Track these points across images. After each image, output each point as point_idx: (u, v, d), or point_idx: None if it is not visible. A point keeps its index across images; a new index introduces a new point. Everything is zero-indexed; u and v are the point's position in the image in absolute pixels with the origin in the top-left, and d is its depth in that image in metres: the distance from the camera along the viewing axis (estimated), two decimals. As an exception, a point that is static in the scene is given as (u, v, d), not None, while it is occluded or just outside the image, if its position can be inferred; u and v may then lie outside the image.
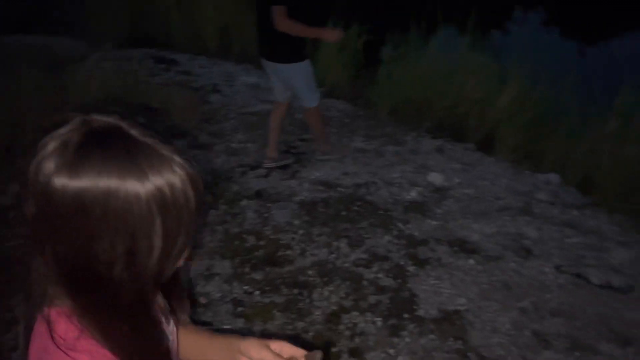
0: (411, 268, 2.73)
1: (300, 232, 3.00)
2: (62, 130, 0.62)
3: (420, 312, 2.44)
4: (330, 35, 3.27)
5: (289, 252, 2.84)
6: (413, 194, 3.42)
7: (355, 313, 2.43)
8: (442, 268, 2.74)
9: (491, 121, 4.12)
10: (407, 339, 2.29)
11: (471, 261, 2.79)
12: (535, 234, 3.09)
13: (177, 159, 0.64)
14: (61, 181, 0.59)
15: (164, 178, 0.62)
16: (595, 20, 8.34)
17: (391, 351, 2.23)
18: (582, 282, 2.68)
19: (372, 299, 2.51)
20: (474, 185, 3.59)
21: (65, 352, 0.63)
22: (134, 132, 0.63)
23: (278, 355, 0.85)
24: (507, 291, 2.59)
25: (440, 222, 3.13)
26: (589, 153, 3.68)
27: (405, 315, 2.42)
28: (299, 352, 0.86)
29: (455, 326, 2.37)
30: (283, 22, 3.01)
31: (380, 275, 2.68)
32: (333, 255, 2.81)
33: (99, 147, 0.61)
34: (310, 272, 2.68)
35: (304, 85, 3.37)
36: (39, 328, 0.66)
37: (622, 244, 3.07)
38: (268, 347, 0.86)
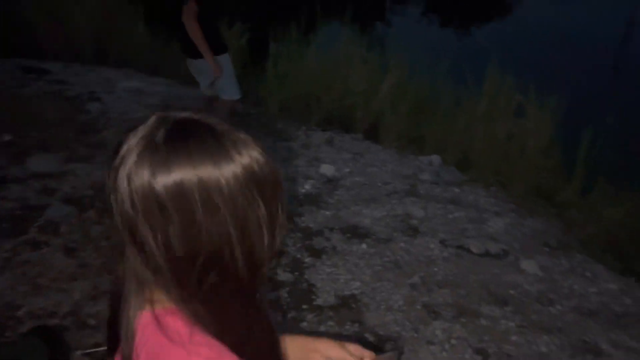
0: (308, 259, 2.78)
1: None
2: (143, 132, 0.63)
3: (319, 301, 2.49)
4: (217, 69, 3.27)
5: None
6: (307, 187, 3.48)
7: (254, 311, 2.43)
8: (337, 255, 2.82)
9: (376, 111, 4.30)
10: (308, 329, 2.33)
11: (364, 245, 2.90)
12: (422, 213, 3.28)
13: (251, 139, 0.66)
14: (161, 181, 0.60)
15: (250, 156, 0.64)
16: (468, 9, 8.99)
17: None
18: (465, 252, 2.89)
19: (272, 295, 2.52)
20: (363, 173, 3.73)
21: (182, 347, 0.62)
22: (211, 121, 0.65)
23: (354, 355, 0.85)
24: (398, 270, 2.73)
25: (334, 212, 3.22)
26: (464, 133, 3.97)
27: (305, 307, 2.46)
28: (372, 356, 0.86)
29: (352, 310, 2.45)
30: (188, 23, 3.02)
31: (278, 271, 2.69)
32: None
33: (186, 139, 0.62)
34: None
35: (222, 78, 3.35)
36: (147, 329, 0.65)
37: (497, 214, 3.36)
38: (345, 348, 0.86)
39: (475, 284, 2.67)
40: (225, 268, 0.64)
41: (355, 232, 3.02)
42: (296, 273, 2.68)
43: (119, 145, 0.63)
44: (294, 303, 2.47)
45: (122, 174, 0.61)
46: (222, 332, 0.65)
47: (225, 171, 0.62)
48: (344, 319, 2.39)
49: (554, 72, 5.50)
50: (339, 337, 0.91)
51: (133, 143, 0.62)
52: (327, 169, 3.67)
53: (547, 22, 8.08)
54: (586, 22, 8.45)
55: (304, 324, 2.36)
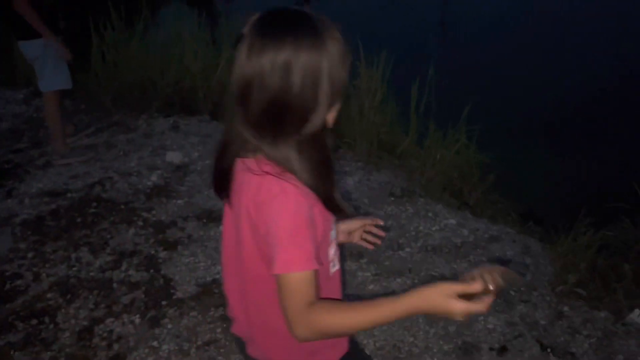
0: (163, 254, 2.66)
1: (30, 255, 2.63)
2: (254, 21, 0.88)
3: (179, 294, 2.41)
4: (65, 52, 3.22)
5: (19, 281, 2.48)
6: (154, 179, 3.30)
7: (109, 320, 2.27)
8: (194, 244, 2.73)
9: (217, 89, 4.19)
10: (169, 325, 2.24)
11: (221, 228, 2.84)
12: (276, 185, 3.30)
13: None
14: (269, 58, 0.85)
15: (335, 35, 0.90)
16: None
17: (154, 343, 2.15)
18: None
19: (126, 298, 2.38)
20: (212, 154, 3.63)
21: (277, 178, 0.89)
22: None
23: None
24: (257, 246, 2.73)
25: (186, 199, 3.10)
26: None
27: (164, 303, 2.36)
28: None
29: (214, 295, 2.40)
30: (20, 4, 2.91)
31: (131, 272, 2.54)
32: (74, 269, 2.55)
33: (291, 25, 0.87)
34: (49, 296, 2.39)
35: (45, 64, 3.17)
36: (248, 172, 0.92)
37: (347, 174, 3.50)
38: None
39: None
40: (311, 122, 0.88)
41: (212, 216, 2.95)
42: (151, 271, 2.55)
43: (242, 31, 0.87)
44: (152, 302, 2.36)
45: (242, 51, 0.87)
46: (303, 173, 0.89)
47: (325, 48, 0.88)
48: (207, 306, 2.34)
49: (382, 31, 5.81)
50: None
51: (247, 29, 0.88)
52: (174, 156, 3.51)
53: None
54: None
55: (165, 320, 2.26)
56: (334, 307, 0.91)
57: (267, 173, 0.90)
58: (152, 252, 2.67)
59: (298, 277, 0.88)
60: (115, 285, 2.46)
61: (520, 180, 3.63)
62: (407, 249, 2.75)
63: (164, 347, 2.14)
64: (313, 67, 0.86)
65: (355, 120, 3.81)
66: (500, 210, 3.28)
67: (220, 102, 4.22)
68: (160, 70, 4.31)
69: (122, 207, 3.02)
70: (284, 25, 0.88)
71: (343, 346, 1.11)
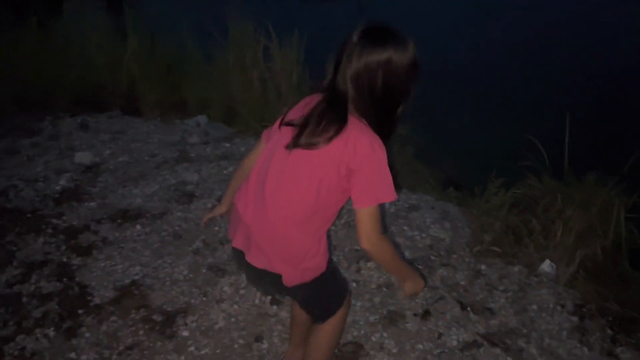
0: (76, 261, 2.51)
1: None
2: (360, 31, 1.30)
3: (96, 300, 2.29)
4: None
5: None
6: (63, 183, 3.11)
7: (21, 337, 2.12)
8: (110, 247, 2.60)
9: (126, 82, 3.99)
10: (87, 334, 2.13)
11: (138, 227, 2.73)
12: (196, 176, 3.20)
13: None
14: (374, 57, 1.27)
15: (412, 44, 1.30)
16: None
17: (72, 355, 2.04)
18: (241, 204, 2.92)
19: (38, 312, 2.23)
20: (127, 151, 3.48)
21: (370, 132, 1.31)
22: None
23: None
24: (178, 241, 2.65)
25: (99, 201, 2.95)
26: (223, 88, 3.93)
27: (81, 311, 2.23)
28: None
29: (135, 297, 2.30)
30: None
31: (42, 283, 2.38)
32: (-23, 287, 2.37)
33: (387, 35, 1.30)
34: (-50, 319, 2.20)
35: None
36: (355, 124, 1.31)
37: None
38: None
39: (255, 230, 2.73)
40: (393, 101, 1.32)
41: (127, 216, 2.82)
42: (65, 280, 2.40)
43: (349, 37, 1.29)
44: (67, 312, 2.23)
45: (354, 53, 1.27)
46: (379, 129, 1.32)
47: (410, 50, 1.29)
48: (127, 309, 2.24)
49: (295, 11, 5.76)
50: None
51: (355, 37, 1.28)
52: (83, 157, 3.32)
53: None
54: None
55: (82, 329, 2.15)
56: (391, 243, 1.41)
57: (365, 128, 1.31)
58: (65, 260, 2.52)
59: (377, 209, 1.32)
60: (25, 299, 2.30)
61: (438, 148, 3.74)
62: (331, 227, 2.76)
63: (83, 357, 2.03)
64: (404, 64, 1.28)
65: (274, 103, 3.77)
66: (419, 179, 3.36)
67: (131, 95, 4.04)
68: (62, 67, 4.05)
69: (29, 215, 2.83)
70: (385, 35, 1.29)
71: (324, 262, 1.47)
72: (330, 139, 1.29)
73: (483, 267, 2.49)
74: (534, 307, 2.29)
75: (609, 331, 2.21)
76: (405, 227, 2.74)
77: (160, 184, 3.11)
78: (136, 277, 2.41)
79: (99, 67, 3.99)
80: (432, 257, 2.51)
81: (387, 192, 1.31)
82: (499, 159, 3.63)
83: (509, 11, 6.29)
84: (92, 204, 2.93)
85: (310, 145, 1.32)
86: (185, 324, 2.16)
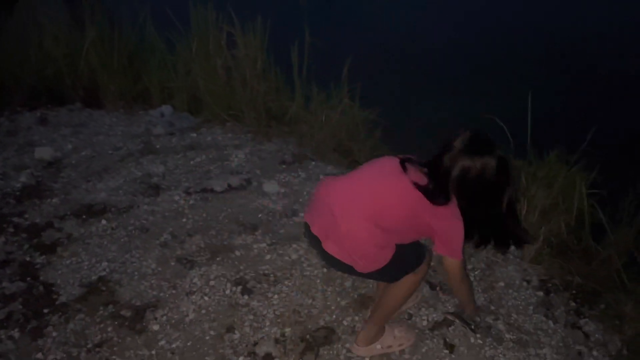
0: (40, 259, 2.45)
1: None
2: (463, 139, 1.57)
3: (62, 299, 2.24)
4: None
5: None
6: (23, 179, 3.01)
7: (-16, 340, 2.06)
8: (75, 243, 2.54)
9: (86, 74, 3.87)
10: (54, 333, 2.08)
11: (103, 222, 2.67)
12: (162, 168, 3.15)
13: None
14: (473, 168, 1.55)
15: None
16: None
17: (38, 355, 1.99)
18: (210, 194, 2.89)
19: (1, 313, 2.17)
20: (89, 144, 3.39)
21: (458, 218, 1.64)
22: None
23: None
24: (145, 234, 2.60)
25: (62, 197, 2.87)
26: (186, 77, 3.85)
27: (46, 310, 2.18)
28: None
29: (102, 294, 2.26)
30: None
31: (4, 284, 2.31)
32: None
33: (486, 145, 1.57)
34: None
35: None
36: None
37: (236, 147, 3.42)
38: None
39: (225, 220, 2.70)
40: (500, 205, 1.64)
41: (91, 211, 2.76)
42: (28, 279, 2.34)
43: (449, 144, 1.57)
44: (31, 312, 2.17)
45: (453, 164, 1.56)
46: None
47: (505, 159, 1.59)
48: (95, 306, 2.20)
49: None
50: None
51: (459, 144, 1.56)
52: (43, 152, 3.22)
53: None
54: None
55: (49, 328, 2.10)
56: (468, 277, 1.94)
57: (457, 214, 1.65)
58: (28, 258, 2.45)
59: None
60: (-13, 301, 2.23)
61: (405, 131, 3.75)
62: (301, 214, 2.75)
63: (50, 357, 1.98)
64: (509, 169, 1.59)
65: (239, 91, 3.71)
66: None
67: (92, 87, 3.92)
68: (18, 60, 3.89)
69: (-11, 214, 2.74)
70: (491, 145, 1.57)
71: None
72: None
73: (451, 247, 2.52)
74: (501, 284, 2.34)
75: (573, 304, 2.28)
76: (374, 211, 2.75)
77: (125, 177, 3.05)
78: (103, 274, 2.36)
79: (56, 59, 3.85)
80: (402, 240, 2.53)
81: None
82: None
83: None
84: (54, 200, 2.85)
85: None
86: (155, 318, 2.13)
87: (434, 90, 4.36)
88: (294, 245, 2.52)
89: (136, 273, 2.36)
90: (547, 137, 2.89)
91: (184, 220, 2.70)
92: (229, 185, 2.93)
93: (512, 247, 2.47)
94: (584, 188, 2.50)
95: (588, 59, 4.79)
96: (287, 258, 2.45)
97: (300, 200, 2.88)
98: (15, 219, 2.70)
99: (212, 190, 2.91)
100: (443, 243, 1.65)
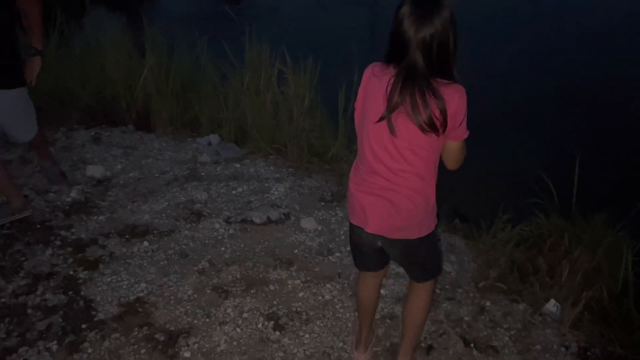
0: (82, 274, 2.53)
1: None
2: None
3: (100, 316, 2.30)
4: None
5: None
6: (73, 195, 3.14)
7: (24, 349, 2.13)
8: (116, 262, 2.62)
9: (141, 98, 4.05)
10: (90, 350, 2.13)
11: (145, 243, 2.75)
12: (205, 195, 3.23)
13: None
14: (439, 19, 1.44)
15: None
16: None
17: (73, 371, 2.04)
18: (249, 225, 2.94)
19: (42, 324, 2.24)
20: (138, 166, 3.51)
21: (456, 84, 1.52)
22: None
23: None
24: (184, 259, 2.66)
25: (107, 215, 2.97)
26: (236, 109, 3.98)
27: (84, 326, 2.24)
28: None
29: (138, 314, 2.31)
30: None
31: (47, 295, 2.39)
32: (-17, 296, 2.38)
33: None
34: (-46, 327, 2.21)
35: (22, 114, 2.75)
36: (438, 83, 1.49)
37: (277, 181, 3.48)
38: None
39: (261, 252, 2.74)
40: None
41: (135, 232, 2.84)
42: (70, 293, 2.41)
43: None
44: (70, 326, 2.23)
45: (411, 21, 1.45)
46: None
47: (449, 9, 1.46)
48: (130, 327, 2.25)
49: (310, 37, 5.84)
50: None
51: (408, 8, 1.46)
52: (95, 170, 3.36)
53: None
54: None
55: (85, 344, 2.15)
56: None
57: (451, 83, 1.49)
58: (71, 272, 2.54)
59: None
60: (29, 310, 2.31)
61: (446, 179, 3.74)
62: (337, 254, 2.77)
63: (84, 373, 2.03)
64: (455, 21, 1.46)
65: (285, 126, 3.80)
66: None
67: (145, 111, 4.09)
68: (80, 80, 4.12)
69: (38, 226, 2.85)
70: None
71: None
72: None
73: (488, 303, 2.48)
74: (538, 347, 2.28)
75: (613, 376, 2.20)
76: (410, 258, 2.74)
77: (169, 201, 3.14)
78: (141, 294, 2.42)
79: (115, 81, 4.05)
80: (437, 291, 2.50)
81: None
82: (506, 191, 3.64)
83: (524, 29, 6.34)
84: (101, 217, 2.95)
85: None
86: (187, 345, 2.16)
87: (478, 138, 4.35)
88: (328, 285, 2.53)
89: (172, 297, 2.41)
90: (593, 198, 2.84)
91: (223, 249, 2.75)
92: (268, 218, 2.98)
93: (552, 309, 2.41)
94: (630, 255, 2.43)
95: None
96: (320, 297, 2.45)
97: (337, 239, 2.89)
98: (63, 233, 2.81)
99: (251, 222, 2.96)
100: (462, 125, 1.54)
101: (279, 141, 3.79)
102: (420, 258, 1.81)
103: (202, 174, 3.51)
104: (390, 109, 1.51)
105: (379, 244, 1.76)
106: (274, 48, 3.93)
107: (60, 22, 4.24)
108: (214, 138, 3.96)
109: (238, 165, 3.68)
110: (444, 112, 1.47)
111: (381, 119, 1.54)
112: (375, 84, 1.56)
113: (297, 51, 3.90)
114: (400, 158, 1.57)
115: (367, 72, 1.62)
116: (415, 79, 1.46)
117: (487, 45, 5.63)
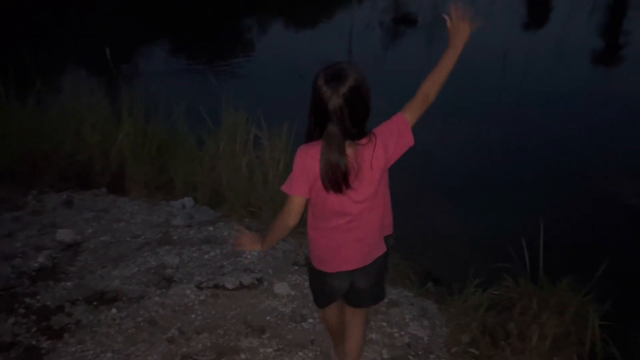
0: (46, 344, 2.44)
1: None
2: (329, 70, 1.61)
3: (62, 390, 2.20)
4: None
5: None
6: (41, 260, 3.07)
7: None
8: (82, 330, 2.54)
9: (116, 161, 4.07)
10: None
11: (113, 310, 2.69)
12: (176, 260, 3.20)
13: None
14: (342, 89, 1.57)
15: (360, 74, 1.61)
16: (207, 51, 9.26)
17: None
18: (221, 291, 2.91)
19: (-2, 400, 2.13)
20: (109, 230, 3.48)
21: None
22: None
23: None
24: (153, 327, 2.59)
25: (76, 281, 2.91)
26: (211, 172, 4.02)
27: (44, 401, 2.14)
28: None
29: (103, 387, 2.22)
30: None
31: (6, 368, 2.29)
32: (-63, 369, 2.27)
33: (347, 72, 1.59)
34: None
35: None
36: (367, 145, 1.70)
37: (251, 244, 3.47)
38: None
39: (233, 319, 2.70)
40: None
41: (103, 298, 2.78)
42: (31, 364, 2.32)
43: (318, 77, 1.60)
44: (29, 401, 2.13)
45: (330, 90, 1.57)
46: None
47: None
48: (94, 401, 2.15)
49: (285, 102, 6.03)
50: None
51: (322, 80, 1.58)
52: (64, 234, 3.31)
53: (279, 58, 8.81)
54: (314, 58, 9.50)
55: (44, 422, 2.04)
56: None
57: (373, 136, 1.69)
58: (34, 342, 2.45)
59: None
60: (-14, 385, 2.20)
61: (418, 241, 3.80)
62: (310, 320, 2.74)
63: None
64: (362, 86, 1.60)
65: (260, 188, 3.84)
66: (399, 272, 3.38)
67: (119, 174, 4.09)
68: (54, 144, 4.13)
69: (2, 293, 2.77)
70: (345, 69, 1.58)
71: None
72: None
73: (460, 369, 2.47)
74: (511, 414, 2.26)
75: None
76: (384, 324, 2.73)
77: (139, 266, 3.09)
78: (106, 366, 2.33)
79: (90, 145, 4.07)
80: (410, 357, 2.49)
81: None
82: (477, 254, 3.69)
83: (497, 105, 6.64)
84: (68, 283, 2.89)
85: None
86: (153, 420, 2.07)
87: (448, 203, 4.46)
88: (300, 353, 2.49)
89: (139, 368, 2.33)
90: (560, 261, 2.91)
91: (193, 316, 2.70)
92: (241, 284, 2.95)
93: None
94: (596, 320, 2.48)
95: (610, 183, 4.89)
96: (292, 366, 2.41)
97: (310, 305, 2.87)
98: (28, 300, 2.73)
99: (223, 287, 2.92)
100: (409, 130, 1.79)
101: (254, 204, 3.82)
102: (385, 273, 2.05)
103: (175, 237, 3.49)
104: (347, 184, 1.68)
105: (350, 281, 1.90)
106: (250, 113, 4.05)
107: (37, 85, 4.30)
108: (187, 201, 3.97)
109: (211, 228, 3.67)
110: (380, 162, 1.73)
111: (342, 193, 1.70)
112: (317, 166, 1.66)
113: (272, 116, 4.02)
114: (360, 204, 1.76)
115: (305, 158, 1.69)
116: (341, 147, 1.63)
117: (456, 112, 5.88)
